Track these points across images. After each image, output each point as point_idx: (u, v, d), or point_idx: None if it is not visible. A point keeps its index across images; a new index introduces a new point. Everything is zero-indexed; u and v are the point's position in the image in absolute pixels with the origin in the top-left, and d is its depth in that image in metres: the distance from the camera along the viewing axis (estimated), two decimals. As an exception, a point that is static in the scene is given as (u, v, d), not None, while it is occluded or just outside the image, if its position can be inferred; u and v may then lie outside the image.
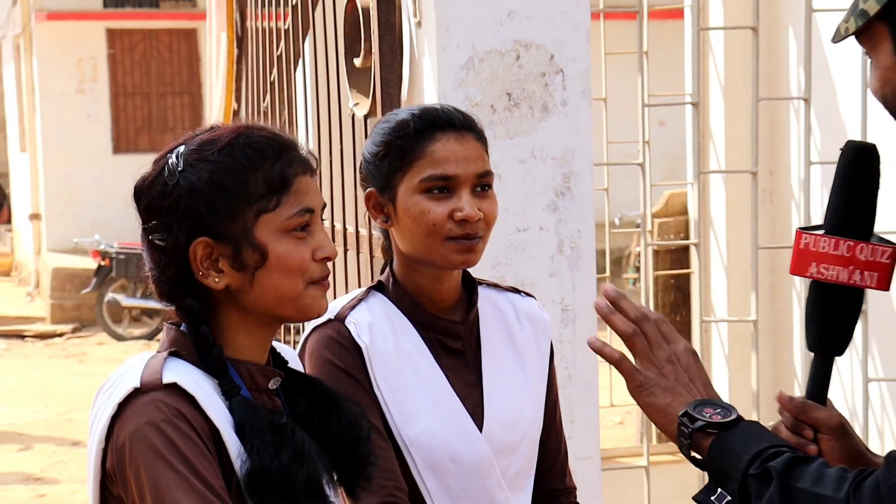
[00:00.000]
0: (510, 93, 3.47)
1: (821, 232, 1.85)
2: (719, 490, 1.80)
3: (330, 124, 4.02)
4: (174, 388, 1.88)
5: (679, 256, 6.39)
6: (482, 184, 2.37)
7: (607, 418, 8.06)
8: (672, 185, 7.07)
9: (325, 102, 4.07)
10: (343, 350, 2.34)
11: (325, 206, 2.04)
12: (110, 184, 16.67)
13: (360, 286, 3.77)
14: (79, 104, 17.66)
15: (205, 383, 1.91)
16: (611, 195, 5.59)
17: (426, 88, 3.52)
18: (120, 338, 13.76)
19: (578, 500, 2.60)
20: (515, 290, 2.56)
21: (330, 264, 2.03)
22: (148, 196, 1.96)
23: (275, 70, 4.79)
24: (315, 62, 4.24)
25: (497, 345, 2.46)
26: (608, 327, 1.93)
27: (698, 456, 1.84)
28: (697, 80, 4.61)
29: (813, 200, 4.50)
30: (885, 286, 1.84)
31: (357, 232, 3.77)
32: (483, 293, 2.49)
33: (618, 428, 8.43)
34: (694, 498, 1.83)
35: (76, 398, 10.46)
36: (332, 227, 3.98)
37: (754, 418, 2.48)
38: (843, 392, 4.73)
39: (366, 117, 3.70)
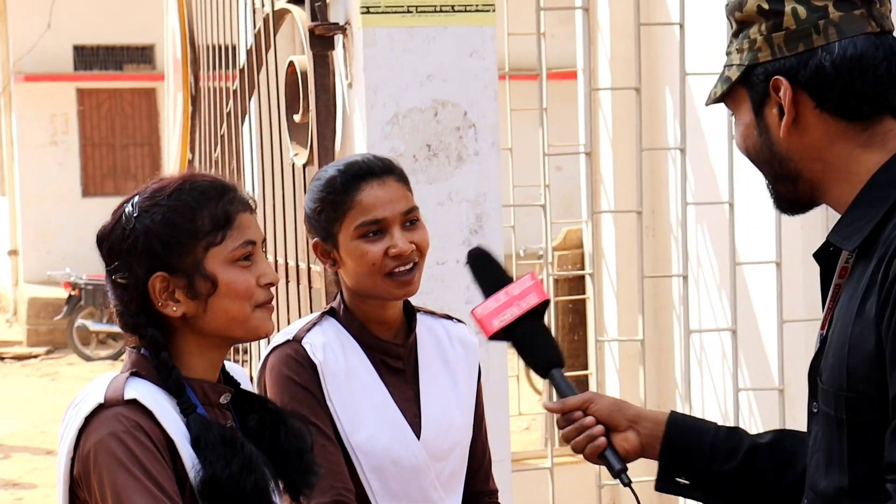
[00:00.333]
0: (430, 144, 3.46)
1: (481, 301, 2.10)
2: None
3: (273, 172, 4.00)
4: (134, 403, 1.87)
5: (576, 284, 6.41)
6: (410, 219, 2.37)
7: (515, 425, 8.04)
8: (569, 223, 7.09)
9: (268, 153, 4.04)
10: (300, 367, 2.34)
11: (264, 238, 2.05)
12: (80, 223, 16.42)
13: (299, 314, 3.75)
14: (52, 154, 17.44)
15: (162, 399, 1.90)
16: (516, 231, 5.60)
17: (357, 141, 3.51)
18: (88, 358, 13.56)
19: (493, 499, 2.61)
20: (448, 317, 2.57)
21: (274, 291, 2.02)
22: (109, 241, 1.95)
23: (224, 125, 4.75)
24: (260, 118, 4.21)
25: (432, 364, 2.47)
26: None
27: None
28: (589, 133, 4.63)
29: (689, 235, 4.53)
30: (543, 296, 2.07)
31: (297, 265, 3.75)
32: (421, 319, 2.50)
33: (524, 433, 8.42)
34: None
35: (50, 412, 10.27)
36: (276, 261, 3.94)
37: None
38: (717, 400, 4.76)
39: (304, 166, 3.68)
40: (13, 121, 17.65)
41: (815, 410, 1.79)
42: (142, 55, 17.61)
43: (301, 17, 3.66)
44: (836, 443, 1.71)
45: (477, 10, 3.47)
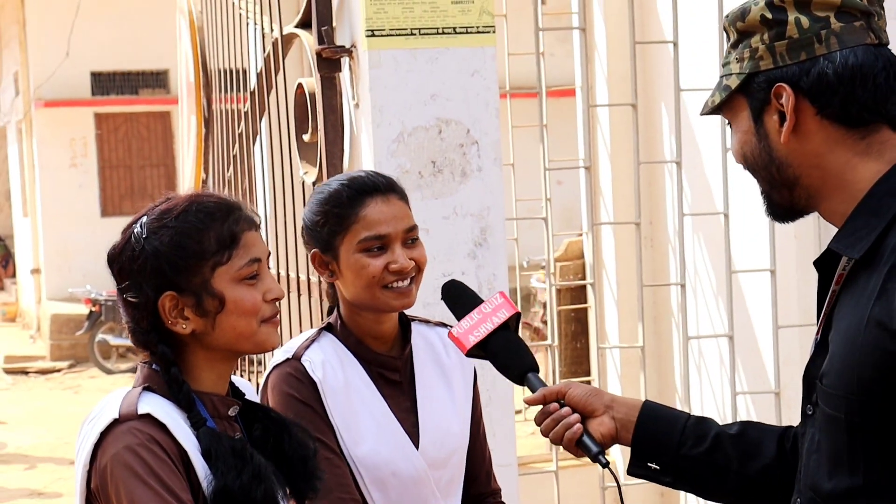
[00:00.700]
0: (434, 161, 3.45)
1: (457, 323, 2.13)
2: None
3: (284, 190, 3.99)
4: (148, 417, 1.86)
5: (577, 294, 6.40)
6: (411, 237, 2.35)
7: (521, 430, 8.02)
8: (570, 235, 7.08)
9: (279, 172, 4.04)
10: (300, 385, 2.31)
11: (269, 254, 2.03)
12: (99, 242, 16.38)
13: (311, 324, 3.74)
14: (72, 176, 17.46)
15: (174, 413, 1.90)
16: (519, 243, 5.59)
17: (364, 159, 3.50)
18: (109, 372, 13.55)
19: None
20: (443, 325, 2.54)
21: (282, 303, 2.01)
22: (119, 262, 1.95)
23: (237, 145, 4.75)
24: (270, 138, 4.20)
25: (428, 374, 2.44)
26: None
27: None
28: (588, 148, 4.62)
29: (686, 245, 4.52)
30: (513, 310, 2.10)
31: (308, 279, 3.74)
32: (416, 329, 2.47)
33: (531, 438, 8.39)
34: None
35: (73, 424, 10.24)
36: (287, 275, 3.94)
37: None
38: (716, 404, 4.74)
39: (314, 183, 3.68)
40: (34, 145, 17.68)
41: (811, 412, 1.77)
42: (156, 80, 17.63)
43: (308, 40, 3.66)
44: (842, 444, 1.70)
45: (478, 32, 3.47)
